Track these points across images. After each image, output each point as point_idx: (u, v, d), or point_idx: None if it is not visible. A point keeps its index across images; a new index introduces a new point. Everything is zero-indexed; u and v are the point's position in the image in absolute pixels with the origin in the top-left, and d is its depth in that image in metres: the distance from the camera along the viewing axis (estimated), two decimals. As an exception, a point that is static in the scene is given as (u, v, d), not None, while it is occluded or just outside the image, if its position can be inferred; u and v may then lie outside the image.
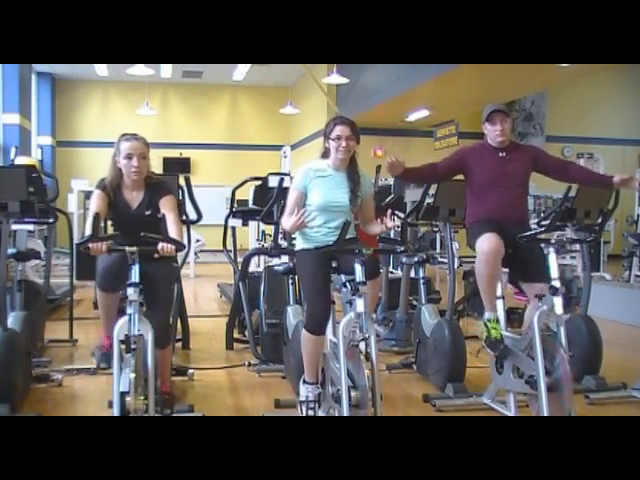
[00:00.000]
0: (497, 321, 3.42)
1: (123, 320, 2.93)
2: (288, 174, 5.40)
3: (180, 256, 4.48)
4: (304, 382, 3.25)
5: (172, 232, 3.17)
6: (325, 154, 3.27)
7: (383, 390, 3.01)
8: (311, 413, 3.17)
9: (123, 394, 2.75)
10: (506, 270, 3.52)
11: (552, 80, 10.61)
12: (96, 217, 3.10)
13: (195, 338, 5.33)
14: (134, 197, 3.38)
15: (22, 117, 12.29)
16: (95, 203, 3.31)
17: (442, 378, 3.94)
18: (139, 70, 10.40)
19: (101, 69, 13.75)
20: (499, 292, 3.53)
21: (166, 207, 3.34)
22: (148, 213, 3.34)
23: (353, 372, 2.92)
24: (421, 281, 4.63)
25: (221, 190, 13.02)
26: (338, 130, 3.18)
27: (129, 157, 3.26)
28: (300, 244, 3.26)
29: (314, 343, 3.14)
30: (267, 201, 4.79)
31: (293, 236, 4.53)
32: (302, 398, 3.22)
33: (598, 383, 4.01)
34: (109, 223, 3.88)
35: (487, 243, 3.29)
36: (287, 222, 3.16)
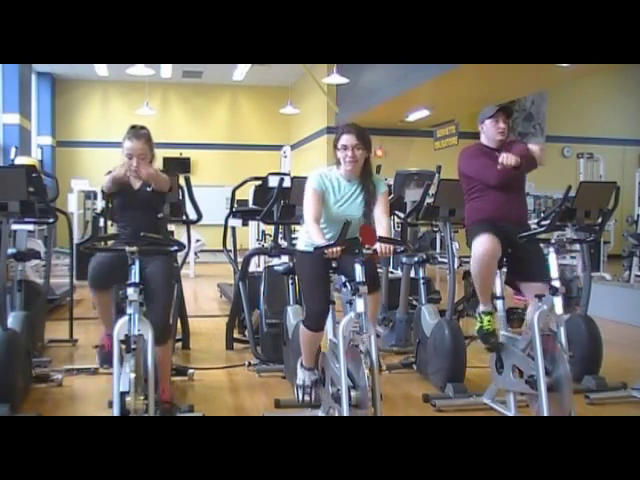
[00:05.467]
0: (491, 314, 3.47)
1: (123, 320, 2.93)
2: (288, 174, 5.40)
3: (180, 256, 4.49)
4: (301, 366, 3.28)
5: None
6: (338, 163, 3.14)
7: (383, 390, 3.01)
8: (307, 398, 3.21)
9: (123, 394, 2.75)
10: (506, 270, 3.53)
11: (552, 80, 10.61)
12: (96, 217, 3.16)
13: (195, 338, 5.33)
14: (137, 181, 3.50)
15: (22, 117, 12.29)
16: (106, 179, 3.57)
17: (442, 378, 3.94)
18: (139, 70, 10.39)
19: (101, 69, 13.74)
20: (499, 292, 3.54)
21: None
22: (150, 189, 3.46)
23: (353, 372, 2.92)
24: (421, 281, 4.63)
25: (221, 190, 13.03)
26: (344, 139, 3.05)
27: (129, 157, 3.41)
28: (301, 245, 3.26)
29: (313, 338, 3.17)
30: (267, 201, 4.79)
31: (293, 236, 4.52)
32: (299, 382, 3.26)
33: (598, 383, 4.00)
34: (109, 224, 3.93)
35: (482, 245, 3.32)
36: (317, 235, 2.98)
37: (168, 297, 3.44)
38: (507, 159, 3.21)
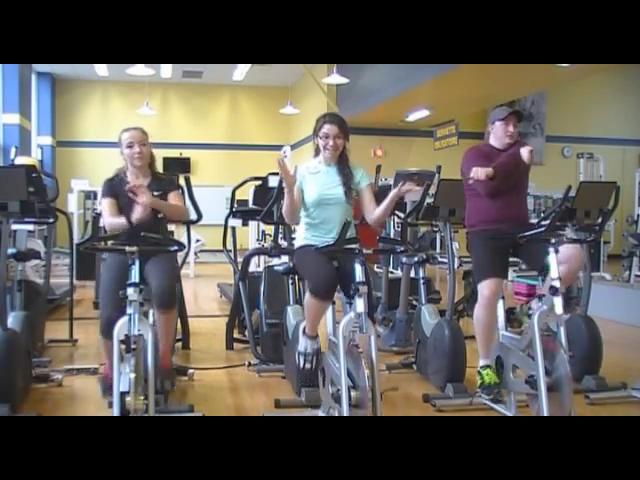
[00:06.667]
0: (490, 367, 3.49)
1: (123, 320, 2.93)
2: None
3: (180, 256, 4.49)
4: (304, 333, 3.25)
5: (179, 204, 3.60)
6: (317, 152, 3.34)
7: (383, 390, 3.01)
8: (308, 366, 3.21)
9: (123, 394, 2.75)
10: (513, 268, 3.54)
11: (552, 80, 10.61)
12: (96, 218, 3.16)
13: (195, 338, 5.33)
14: (139, 182, 3.47)
15: (22, 117, 12.29)
16: (107, 210, 3.46)
17: (442, 378, 3.94)
18: (139, 70, 10.39)
19: (101, 69, 13.75)
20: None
21: (173, 200, 3.60)
22: (156, 194, 3.44)
23: (353, 372, 2.92)
24: (421, 281, 4.63)
25: (221, 190, 13.03)
26: (326, 128, 3.24)
27: (130, 145, 3.46)
28: (300, 242, 3.29)
29: (319, 307, 3.09)
30: (267, 201, 4.79)
31: (293, 236, 4.53)
32: (301, 349, 3.25)
33: (598, 383, 4.00)
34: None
35: (488, 289, 3.37)
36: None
37: (172, 266, 3.46)
38: (477, 174, 3.29)
